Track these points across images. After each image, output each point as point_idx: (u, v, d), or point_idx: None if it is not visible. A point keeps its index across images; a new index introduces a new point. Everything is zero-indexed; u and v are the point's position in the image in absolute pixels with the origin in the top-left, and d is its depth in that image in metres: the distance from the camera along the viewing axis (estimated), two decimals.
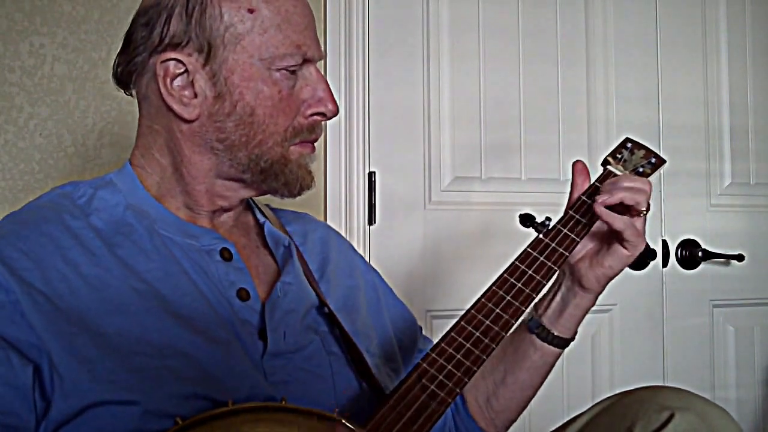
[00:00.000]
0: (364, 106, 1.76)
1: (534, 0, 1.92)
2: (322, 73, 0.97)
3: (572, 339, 1.07)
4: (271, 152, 0.93)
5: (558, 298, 1.05)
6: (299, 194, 0.97)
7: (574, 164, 1.08)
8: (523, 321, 1.07)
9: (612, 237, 1.01)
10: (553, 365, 1.08)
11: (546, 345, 1.05)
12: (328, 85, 0.96)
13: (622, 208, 0.99)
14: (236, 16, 0.90)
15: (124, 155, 1.50)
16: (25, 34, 1.49)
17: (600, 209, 0.97)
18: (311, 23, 0.95)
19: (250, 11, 0.90)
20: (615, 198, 0.97)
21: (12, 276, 0.82)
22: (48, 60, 1.51)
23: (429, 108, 1.82)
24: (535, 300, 0.98)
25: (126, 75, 0.95)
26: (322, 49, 0.97)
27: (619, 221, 0.97)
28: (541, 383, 1.09)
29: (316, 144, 0.98)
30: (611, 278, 1.03)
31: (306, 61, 0.94)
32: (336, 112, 0.96)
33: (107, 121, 1.54)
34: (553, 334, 1.05)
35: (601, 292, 1.05)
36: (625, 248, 1.00)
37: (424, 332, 1.20)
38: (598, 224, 1.02)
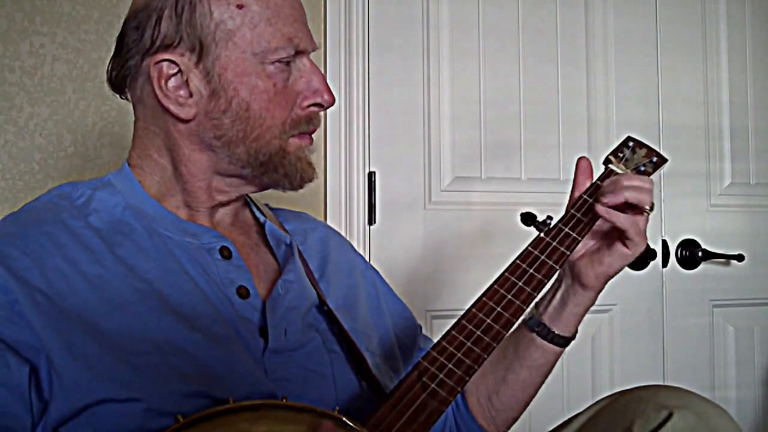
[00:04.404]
0: (364, 105, 1.76)
1: (534, 0, 1.92)
2: (321, 70, 0.98)
3: (573, 338, 1.07)
4: (269, 146, 0.93)
5: (558, 296, 1.05)
6: (301, 186, 0.97)
7: (578, 161, 1.08)
8: (523, 320, 1.07)
9: (613, 235, 1.01)
10: (554, 363, 1.08)
11: (547, 343, 1.05)
12: (323, 76, 0.96)
13: (625, 207, 0.99)
14: (226, 12, 0.90)
15: (124, 155, 1.49)
16: (25, 34, 1.49)
17: (602, 209, 0.97)
18: (301, 15, 0.95)
19: (239, 7, 0.90)
20: (619, 198, 0.97)
21: (11, 275, 0.82)
22: (48, 60, 1.51)
23: (429, 108, 1.82)
24: (537, 299, 0.98)
25: (120, 79, 0.95)
26: (318, 43, 0.98)
27: (623, 219, 0.97)
28: (542, 382, 1.09)
29: (315, 141, 0.98)
30: (611, 276, 1.03)
31: (299, 52, 0.94)
32: (332, 102, 0.96)
33: (107, 121, 1.54)
34: (554, 332, 1.05)
35: (601, 290, 1.05)
36: (627, 247, 1.00)
37: (423, 332, 1.20)
38: (599, 222, 1.02)
